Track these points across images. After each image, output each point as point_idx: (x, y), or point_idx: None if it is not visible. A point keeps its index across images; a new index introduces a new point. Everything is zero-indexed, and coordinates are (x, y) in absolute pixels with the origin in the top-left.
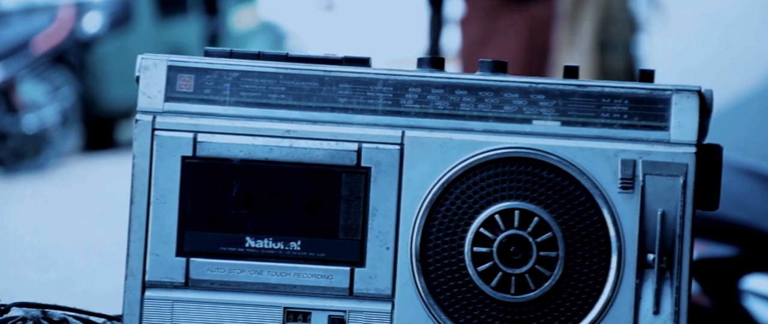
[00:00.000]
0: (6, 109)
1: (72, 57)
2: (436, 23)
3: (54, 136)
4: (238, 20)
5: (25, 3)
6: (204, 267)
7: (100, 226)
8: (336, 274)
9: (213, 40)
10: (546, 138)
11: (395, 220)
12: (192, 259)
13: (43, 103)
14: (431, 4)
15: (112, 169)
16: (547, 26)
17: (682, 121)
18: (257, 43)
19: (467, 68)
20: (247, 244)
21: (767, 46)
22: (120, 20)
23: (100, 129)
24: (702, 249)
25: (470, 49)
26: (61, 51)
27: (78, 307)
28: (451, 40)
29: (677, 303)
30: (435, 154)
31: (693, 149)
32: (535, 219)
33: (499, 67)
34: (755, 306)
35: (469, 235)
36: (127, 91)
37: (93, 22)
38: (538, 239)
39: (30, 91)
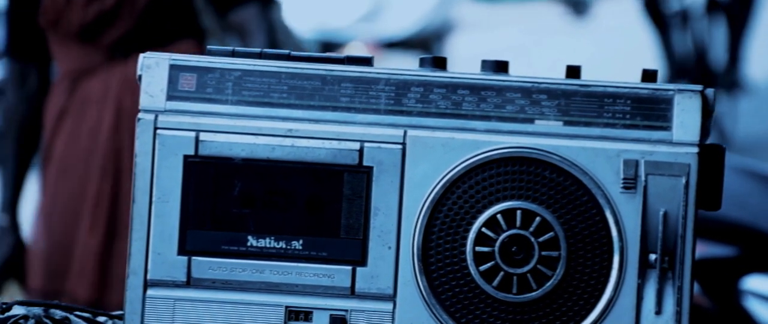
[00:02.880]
0: None
1: None
2: None
3: None
4: None
5: None
6: (206, 266)
7: None
8: (338, 274)
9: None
10: (548, 138)
11: (397, 220)
12: (194, 257)
13: None
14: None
15: None
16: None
17: (685, 121)
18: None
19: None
20: (248, 243)
21: None
22: None
23: None
24: (702, 249)
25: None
26: None
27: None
28: None
29: (679, 303)
30: (437, 153)
31: (695, 149)
32: (538, 219)
33: (501, 67)
34: (755, 306)
35: (471, 235)
36: None
37: None
38: (540, 239)
39: None
